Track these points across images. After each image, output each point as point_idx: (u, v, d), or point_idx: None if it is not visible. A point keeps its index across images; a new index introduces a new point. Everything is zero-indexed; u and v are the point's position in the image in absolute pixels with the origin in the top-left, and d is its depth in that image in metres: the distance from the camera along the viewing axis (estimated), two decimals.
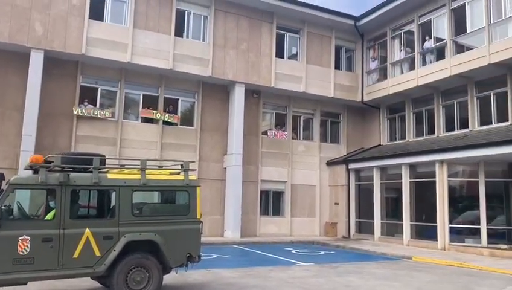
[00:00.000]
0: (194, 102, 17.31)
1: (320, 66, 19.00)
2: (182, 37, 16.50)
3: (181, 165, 7.81)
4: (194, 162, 9.44)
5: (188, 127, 17.04)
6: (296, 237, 17.58)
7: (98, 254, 6.56)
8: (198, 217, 7.61)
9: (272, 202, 18.38)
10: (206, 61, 16.50)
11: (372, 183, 17.32)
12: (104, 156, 7.63)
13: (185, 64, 16.11)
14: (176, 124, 16.71)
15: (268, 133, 18.51)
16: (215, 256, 12.12)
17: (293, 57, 18.90)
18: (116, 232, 6.75)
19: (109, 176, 7.05)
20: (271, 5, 17.55)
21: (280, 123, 19.06)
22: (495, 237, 13.69)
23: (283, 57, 18.42)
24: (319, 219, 19.00)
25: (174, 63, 15.89)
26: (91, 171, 6.84)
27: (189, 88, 17.15)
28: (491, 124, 14.75)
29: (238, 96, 17.19)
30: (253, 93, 18.12)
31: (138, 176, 7.16)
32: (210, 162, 17.11)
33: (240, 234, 16.46)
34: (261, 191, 18.05)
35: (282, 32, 18.43)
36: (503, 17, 14.03)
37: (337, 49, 19.75)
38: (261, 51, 17.66)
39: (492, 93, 14.87)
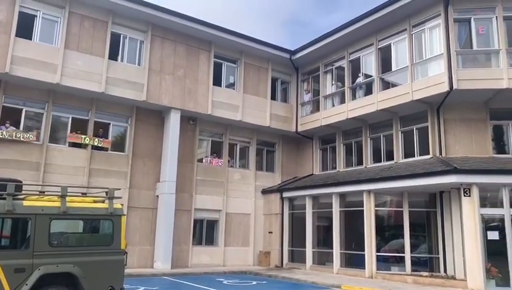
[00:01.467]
0: (127, 127, 16.79)
1: (257, 96, 19.35)
2: (116, 60, 16.10)
3: (106, 192, 7.47)
4: (119, 189, 9.03)
5: (119, 153, 16.43)
6: (229, 267, 17.31)
7: (6, 289, 6.00)
8: (122, 247, 7.26)
9: (205, 231, 18.03)
10: (141, 85, 16.18)
11: (305, 212, 17.63)
12: (21, 181, 7.11)
13: (118, 88, 15.67)
14: (107, 149, 16.06)
15: (204, 161, 18.36)
16: (142, 289, 11.54)
17: (231, 85, 19.12)
18: (29, 264, 6.25)
19: (25, 203, 6.56)
20: (209, 34, 17.75)
21: (216, 151, 18.99)
22: (418, 264, 14.35)
23: (220, 85, 18.55)
24: (253, 248, 18.90)
25: (106, 86, 15.40)
26: (4, 198, 6.32)
27: (122, 112, 16.65)
28: (414, 156, 15.69)
29: (174, 122, 16.94)
30: (190, 120, 17.98)
31: (58, 204, 6.73)
32: (141, 189, 16.54)
33: (170, 265, 15.89)
34: (195, 220, 17.67)
35: (220, 61, 18.62)
36: (424, 58, 15.19)
37: (274, 81, 20.29)
38: (198, 78, 17.68)
39: (415, 128, 15.88)
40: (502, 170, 12.52)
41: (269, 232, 19.00)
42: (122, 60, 16.29)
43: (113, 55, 16.03)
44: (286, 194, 18.68)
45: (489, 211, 12.59)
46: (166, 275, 14.73)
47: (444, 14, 14.39)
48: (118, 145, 16.58)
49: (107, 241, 7.17)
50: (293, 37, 64.41)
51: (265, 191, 19.59)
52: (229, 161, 19.20)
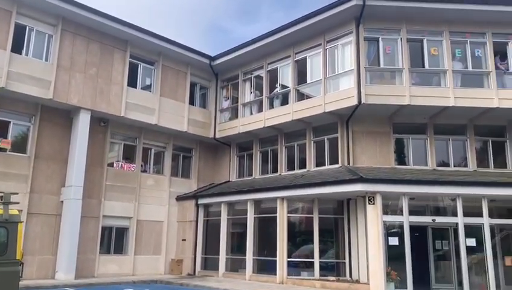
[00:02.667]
0: (30, 126, 15.46)
1: (174, 100, 18.95)
2: (20, 53, 14.80)
3: (0, 197, 6.76)
4: (17, 193, 8.23)
5: (20, 154, 15.06)
6: (139, 277, 16.61)
7: None
8: (18, 257, 6.61)
9: (114, 240, 17.13)
10: (48, 82, 15.02)
11: (220, 219, 17.55)
12: None
13: (21, 84, 14.39)
14: (5, 150, 14.62)
15: (115, 165, 17.52)
16: None
17: (147, 88, 18.50)
18: None
19: None
20: (125, 33, 17.05)
21: (129, 155, 18.22)
22: (326, 269, 14.96)
23: (136, 87, 17.86)
24: (164, 256, 18.35)
25: (7, 81, 14.07)
26: None
27: (25, 110, 15.31)
28: (325, 165, 16.40)
29: (83, 123, 15.94)
30: (101, 122, 17.05)
31: None
32: (44, 194, 15.29)
33: (74, 276, 14.82)
34: (103, 228, 16.73)
35: (136, 61, 17.96)
36: (336, 73, 15.99)
37: (193, 85, 20.04)
38: (112, 78, 16.86)
39: (326, 138, 16.62)
40: (402, 179, 13.54)
41: (182, 240, 18.62)
42: (27, 54, 15.00)
43: (17, 48, 14.72)
44: (202, 201, 18.46)
45: (391, 218, 13.51)
46: (69, 286, 13.71)
47: (356, 32, 15.29)
48: (19, 146, 15.19)
49: (0, 251, 6.48)
50: (215, 43, 64.60)
51: (180, 198, 19.19)
52: (142, 165, 18.52)
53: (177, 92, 19.18)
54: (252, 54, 18.53)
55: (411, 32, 15.46)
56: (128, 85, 17.32)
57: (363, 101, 14.58)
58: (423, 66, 15.39)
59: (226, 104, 20.35)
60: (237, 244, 17.57)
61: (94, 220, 16.33)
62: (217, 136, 20.01)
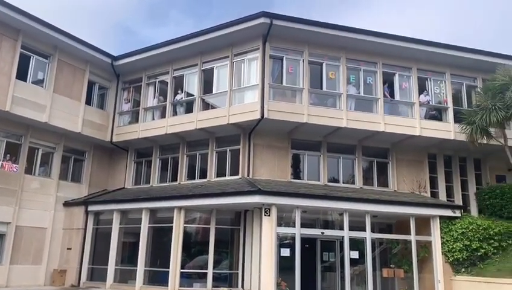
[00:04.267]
0: None
1: (69, 98, 17.65)
2: None
3: None
4: None
5: None
6: (14, 288, 14.99)
7: None
8: None
9: None
10: None
11: (112, 227, 16.62)
12: None
13: None
14: None
15: None
16: None
17: (39, 82, 16.95)
18: None
19: None
20: (17, 21, 15.52)
21: (12, 154, 16.47)
22: (219, 280, 14.93)
23: (26, 80, 16.30)
24: (46, 266, 16.80)
25: None
26: None
27: None
28: (225, 176, 16.51)
29: None
30: None
31: None
32: None
33: None
34: None
35: (28, 53, 16.41)
36: (242, 86, 16.29)
37: (91, 84, 18.86)
38: None
39: (228, 149, 16.78)
40: (296, 193, 14.16)
41: (68, 249, 17.25)
42: None
43: None
44: (92, 208, 17.33)
45: (284, 230, 14.03)
46: None
47: (262, 49, 15.78)
48: None
49: None
50: (121, 44, 61.89)
51: (68, 204, 17.81)
52: (26, 167, 16.85)
53: (73, 89, 17.91)
54: (158, 58, 18.06)
55: (312, 56, 16.40)
56: (17, 77, 15.72)
57: (265, 115, 15.04)
58: (321, 88, 16.38)
59: (126, 107, 19.50)
60: (129, 255, 16.78)
61: None
62: (114, 139, 19.04)
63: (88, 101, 18.61)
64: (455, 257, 14.41)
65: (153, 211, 16.07)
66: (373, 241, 14.76)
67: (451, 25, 58.13)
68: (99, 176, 19.46)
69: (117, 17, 61.79)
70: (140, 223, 15.88)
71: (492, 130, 16.15)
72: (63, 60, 17.56)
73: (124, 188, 19.10)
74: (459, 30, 56.98)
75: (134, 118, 19.16)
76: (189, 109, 17.51)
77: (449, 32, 56.55)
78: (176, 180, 17.76)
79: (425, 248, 14.87)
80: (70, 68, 17.87)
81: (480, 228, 14.58)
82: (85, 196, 18.33)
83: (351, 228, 14.28)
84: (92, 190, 18.92)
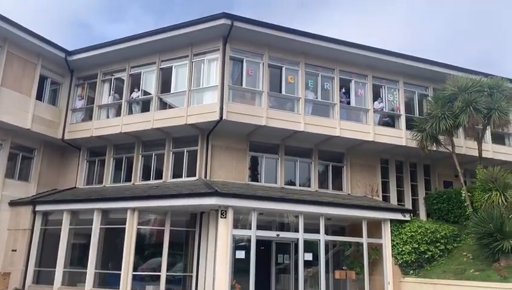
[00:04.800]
0: None
1: (19, 93, 16.83)
2: None
3: None
4: None
5: None
6: None
7: None
8: None
9: None
10: None
11: (61, 228, 15.96)
12: None
13: None
14: None
15: None
16: None
17: None
18: None
19: None
20: None
21: None
22: (173, 282, 14.71)
23: None
24: None
25: None
26: None
27: None
28: (182, 177, 16.29)
29: None
30: None
31: None
32: None
33: None
34: None
35: None
36: (201, 86, 16.14)
37: (42, 79, 18.05)
38: None
39: (185, 150, 16.56)
40: (253, 195, 14.18)
41: (13, 250, 16.40)
42: None
43: None
44: (40, 208, 16.57)
45: (240, 232, 13.99)
46: None
47: (222, 50, 15.72)
48: None
49: None
50: (77, 38, 59.77)
51: (14, 203, 16.94)
52: None
53: (23, 83, 17.09)
54: (114, 54, 17.56)
55: (272, 59, 16.52)
56: None
57: (224, 117, 14.97)
58: (280, 92, 16.53)
59: (80, 104, 18.83)
60: (79, 257, 16.18)
61: None
62: (66, 137, 18.32)
63: (39, 97, 17.80)
64: (404, 259, 14.93)
65: (105, 212, 15.58)
66: (326, 244, 15.03)
67: (408, 34, 60.49)
68: (49, 174, 18.65)
69: (74, 10, 59.70)
70: (92, 224, 15.35)
71: (441, 137, 16.91)
72: (12, 52, 16.73)
73: (75, 187, 18.42)
74: (415, 40, 59.42)
75: (88, 116, 18.53)
76: (145, 108, 17.14)
77: (406, 42, 58.83)
78: (130, 180, 17.33)
79: (376, 251, 15.32)
80: (20, 61, 17.05)
81: (428, 231, 15.21)
82: (33, 196, 17.51)
83: (305, 231, 14.45)
84: (40, 189, 18.11)
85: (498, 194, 13.87)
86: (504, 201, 13.66)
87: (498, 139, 19.75)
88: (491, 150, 18.81)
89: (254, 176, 16.83)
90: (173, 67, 16.85)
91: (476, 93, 15.69)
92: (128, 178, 17.53)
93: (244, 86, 16.04)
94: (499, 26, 58.21)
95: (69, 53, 18.19)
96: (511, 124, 18.50)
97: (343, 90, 17.59)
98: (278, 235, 14.61)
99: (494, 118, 15.67)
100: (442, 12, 59.11)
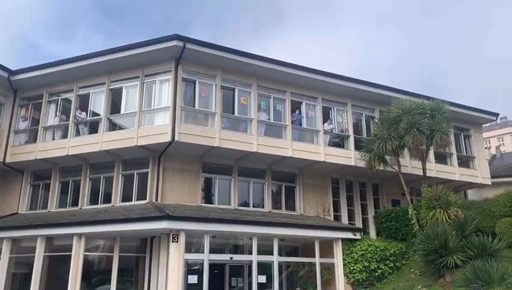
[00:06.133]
0: None
1: None
2: None
3: None
4: None
5: None
6: None
7: None
8: None
9: None
10: None
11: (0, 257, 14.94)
12: None
13: None
14: None
15: None
16: None
17: None
18: None
19: None
20: None
21: None
22: None
23: None
24: None
25: None
26: None
27: None
28: (132, 201, 15.82)
29: None
30: None
31: None
32: None
33: None
34: None
35: None
36: (152, 107, 15.89)
37: None
38: None
39: (136, 173, 16.14)
40: (206, 218, 13.98)
41: None
42: None
43: None
44: None
45: (193, 256, 13.71)
46: None
47: (174, 71, 15.63)
48: None
49: None
50: (23, 57, 57.44)
51: None
52: None
53: None
54: (61, 74, 16.98)
55: (225, 81, 16.62)
56: None
57: (176, 138, 14.78)
58: (233, 113, 16.60)
59: (23, 125, 17.96)
60: (19, 287, 15.18)
61: None
62: (8, 160, 17.36)
63: None
64: (356, 277, 15.20)
65: (49, 239, 14.77)
66: (280, 265, 15.04)
67: (358, 58, 63.13)
68: None
69: (20, 28, 57.51)
70: (35, 252, 14.50)
71: (388, 157, 17.55)
72: None
73: (17, 213, 17.39)
74: (364, 64, 62.09)
75: (32, 138, 17.71)
76: (94, 129, 16.60)
77: (355, 66, 61.33)
78: (77, 205, 16.61)
79: (328, 270, 15.49)
80: None
81: (378, 249, 15.60)
82: None
83: (259, 252, 14.39)
84: None
85: (442, 212, 14.50)
86: (447, 218, 14.29)
87: (440, 158, 20.78)
88: (434, 169, 19.73)
89: (207, 197, 16.66)
90: (123, 87, 16.51)
91: (419, 115, 16.50)
92: (75, 202, 16.80)
93: (196, 107, 15.97)
94: (442, 52, 62.21)
95: (13, 72, 17.41)
96: (452, 144, 19.61)
97: (297, 111, 17.94)
98: (231, 258, 14.43)
99: (436, 138, 16.49)
100: (389, 37, 62.39)
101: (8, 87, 17.77)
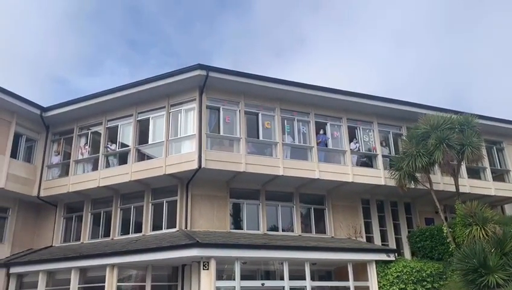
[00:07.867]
0: None
1: None
2: None
3: None
4: None
5: None
6: None
7: None
8: None
9: None
10: None
11: None
12: None
13: None
14: None
15: None
16: None
17: None
18: None
19: None
20: None
21: None
22: None
23: None
24: None
25: None
26: None
27: None
28: (162, 229, 15.93)
29: None
30: None
31: None
32: None
33: None
34: None
35: None
36: (179, 136, 16.16)
37: (17, 136, 17.80)
38: None
39: (165, 201, 16.31)
40: (236, 244, 13.91)
41: None
42: None
43: None
44: (15, 270, 15.85)
45: (224, 284, 13.56)
46: None
47: (199, 100, 15.91)
48: None
49: None
50: (53, 93, 59.68)
51: None
52: None
53: None
54: (90, 108, 17.57)
55: (248, 106, 16.78)
56: None
57: (203, 165, 14.92)
58: (258, 137, 16.68)
59: (56, 159, 18.54)
60: None
61: None
62: (42, 194, 17.87)
63: (14, 154, 17.48)
64: None
65: (83, 270, 14.99)
66: None
67: (382, 76, 62.72)
68: (24, 234, 18.00)
69: (50, 66, 60.02)
70: (69, 284, 14.71)
71: (418, 175, 17.11)
72: None
73: (51, 246, 17.78)
74: (388, 81, 61.56)
75: (65, 171, 18.22)
76: (123, 160, 16.98)
77: (380, 83, 60.88)
78: (109, 235, 16.85)
79: None
80: None
81: (414, 270, 15.07)
82: (7, 257, 16.77)
83: (291, 277, 14.15)
84: (15, 250, 17.40)
85: (478, 229, 13.97)
86: (485, 235, 13.74)
87: (473, 173, 20.15)
88: (467, 184, 19.13)
89: (236, 223, 16.60)
90: (150, 118, 16.90)
91: (448, 130, 16.12)
92: (106, 233, 17.06)
93: (221, 133, 16.15)
94: (469, 65, 61.13)
95: (44, 109, 18.13)
96: (485, 158, 19.01)
97: (322, 131, 17.87)
98: (263, 284, 14.21)
99: (467, 153, 16.04)
100: (413, 52, 61.82)
101: (40, 123, 18.47)
